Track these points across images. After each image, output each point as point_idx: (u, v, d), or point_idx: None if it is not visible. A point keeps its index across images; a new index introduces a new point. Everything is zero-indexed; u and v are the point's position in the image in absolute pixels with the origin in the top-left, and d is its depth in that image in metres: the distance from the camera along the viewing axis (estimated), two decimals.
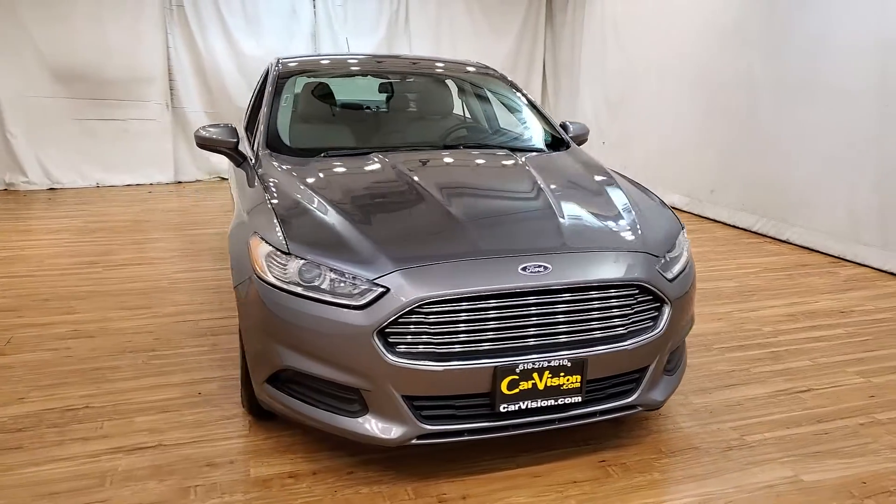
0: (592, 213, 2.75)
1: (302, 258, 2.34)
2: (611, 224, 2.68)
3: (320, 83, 3.99)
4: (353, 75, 4.20)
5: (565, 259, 2.39)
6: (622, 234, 2.62)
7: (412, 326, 2.22)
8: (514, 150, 3.52)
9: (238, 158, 3.43)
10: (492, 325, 2.27)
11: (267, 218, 2.57)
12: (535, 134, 3.79)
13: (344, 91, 4.17)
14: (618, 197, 2.91)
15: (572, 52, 9.86)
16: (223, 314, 4.04)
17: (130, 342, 3.64)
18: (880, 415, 2.99)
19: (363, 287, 2.24)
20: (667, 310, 2.48)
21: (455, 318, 2.23)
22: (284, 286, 2.34)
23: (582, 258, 2.41)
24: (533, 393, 2.31)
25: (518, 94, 4.05)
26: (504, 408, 2.30)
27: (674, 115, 7.52)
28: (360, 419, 2.31)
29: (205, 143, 3.48)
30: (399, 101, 4.17)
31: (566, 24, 10.08)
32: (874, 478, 2.53)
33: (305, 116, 3.81)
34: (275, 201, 2.68)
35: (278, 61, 4.07)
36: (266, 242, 2.45)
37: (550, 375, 2.31)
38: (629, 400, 2.49)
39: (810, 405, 3.07)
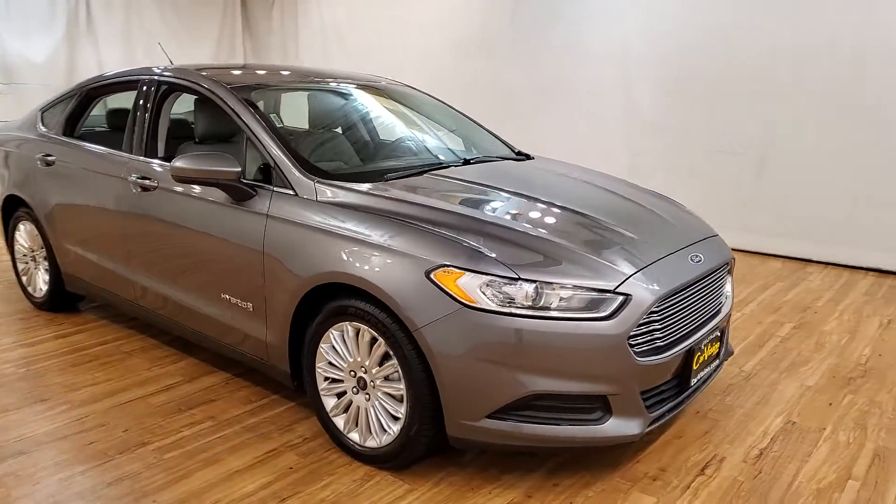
0: (664, 207, 3.17)
1: (532, 280, 2.29)
2: (681, 213, 3.17)
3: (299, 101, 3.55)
4: (312, 90, 3.76)
5: (703, 247, 2.81)
6: (695, 220, 3.13)
7: (642, 326, 2.40)
8: (505, 159, 3.69)
9: (244, 192, 2.89)
10: (685, 311, 2.58)
11: (448, 247, 2.38)
12: (498, 145, 3.98)
13: (317, 109, 3.72)
14: (646, 191, 3.40)
15: (286, 60, 9.75)
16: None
17: None
18: None
19: (604, 297, 2.32)
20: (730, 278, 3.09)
21: (667, 310, 2.48)
22: (519, 311, 2.26)
23: (707, 245, 2.86)
24: (704, 363, 2.71)
25: (449, 107, 4.17)
26: (694, 381, 2.64)
27: None
28: (603, 424, 2.38)
29: (192, 177, 2.86)
30: (378, 120, 3.90)
31: (273, 31, 9.92)
32: None
33: (316, 139, 3.36)
34: (433, 227, 2.48)
35: (194, 74, 3.41)
36: (472, 272, 2.30)
37: (710, 345, 2.73)
38: (723, 355, 3.03)
39: None
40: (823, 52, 5.49)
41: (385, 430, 2.58)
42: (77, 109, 4.10)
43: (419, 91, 4.17)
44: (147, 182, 3.35)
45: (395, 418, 2.55)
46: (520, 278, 2.29)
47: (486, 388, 2.31)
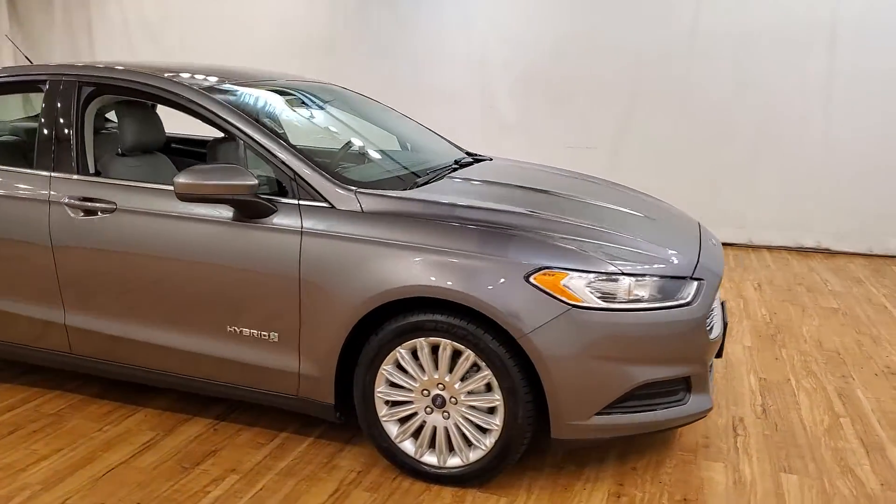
0: (651, 200, 3.40)
1: (630, 274, 2.35)
2: (665, 204, 3.43)
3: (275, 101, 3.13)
4: (273, 91, 3.29)
5: (708, 232, 3.10)
6: (679, 210, 3.42)
7: None
8: (480, 160, 3.66)
9: (263, 209, 2.55)
10: None
11: (543, 248, 2.35)
12: (448, 146, 3.92)
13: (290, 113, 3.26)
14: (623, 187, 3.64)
15: (79, 58, 8.53)
16: None
17: None
18: None
19: (684, 283, 2.46)
20: None
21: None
22: (622, 306, 2.32)
23: (706, 230, 3.15)
24: None
25: (390, 109, 4.01)
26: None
27: None
28: (686, 404, 2.52)
29: (203, 194, 2.46)
30: (351, 124, 3.53)
31: (55, 25, 8.62)
32: None
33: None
34: (510, 229, 2.42)
35: (143, 74, 2.89)
36: (577, 271, 2.30)
37: None
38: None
39: None
40: (665, 53, 6.25)
41: (472, 446, 2.47)
42: None
43: (354, 93, 3.97)
44: (96, 204, 2.77)
45: (484, 431, 2.45)
46: (622, 273, 2.34)
47: (599, 386, 2.33)
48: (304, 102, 3.46)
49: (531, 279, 2.29)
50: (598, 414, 2.36)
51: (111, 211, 2.75)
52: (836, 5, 5.74)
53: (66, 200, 2.81)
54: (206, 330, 2.70)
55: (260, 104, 2.97)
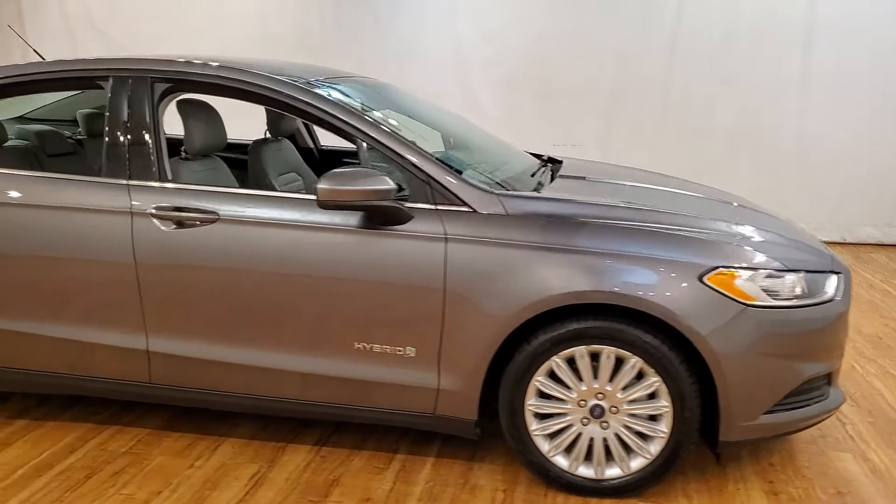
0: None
1: (794, 270, 2.34)
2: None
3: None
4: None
5: None
6: None
7: None
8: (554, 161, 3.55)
9: (401, 215, 2.35)
10: None
11: (713, 248, 2.30)
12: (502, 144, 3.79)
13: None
14: None
15: (9, 56, 7.74)
16: None
17: None
18: None
19: (830, 277, 2.47)
20: None
21: None
22: (789, 303, 2.30)
23: None
24: None
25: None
26: None
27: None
28: (828, 398, 2.54)
29: (347, 200, 2.25)
30: (431, 121, 3.29)
31: None
32: None
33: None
34: (672, 228, 2.36)
35: (237, 71, 2.62)
36: (749, 269, 2.27)
37: None
38: None
39: None
40: (647, 52, 6.39)
41: (632, 455, 2.39)
42: None
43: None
44: (192, 215, 2.48)
45: (646, 438, 2.37)
46: (788, 269, 2.32)
47: (770, 385, 2.31)
48: (371, 99, 3.25)
49: (705, 279, 2.24)
50: (765, 413, 2.34)
51: (212, 221, 2.46)
52: (812, 7, 6.06)
53: (154, 211, 2.49)
54: (330, 348, 2.48)
55: (358, 102, 2.74)
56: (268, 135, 3.53)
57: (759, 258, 2.32)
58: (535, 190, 2.65)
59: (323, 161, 4.02)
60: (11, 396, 3.13)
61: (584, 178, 2.98)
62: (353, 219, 2.39)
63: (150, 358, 2.60)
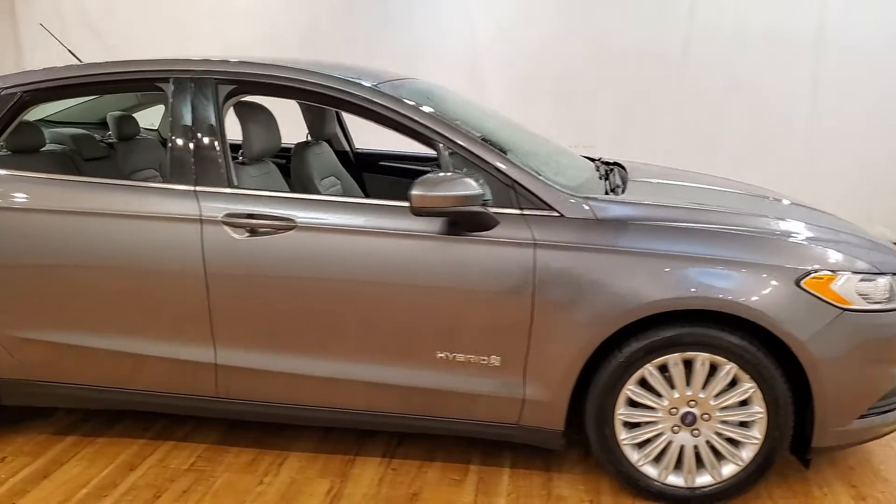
0: None
1: (886, 274, 2.32)
2: None
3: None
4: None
5: None
6: None
7: None
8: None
9: (488, 221, 2.28)
10: None
11: (807, 251, 2.27)
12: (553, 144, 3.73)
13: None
14: None
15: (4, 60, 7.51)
16: None
17: None
18: None
19: None
20: None
21: None
22: (881, 306, 2.28)
23: None
24: None
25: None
26: None
27: None
28: None
29: (441, 206, 2.18)
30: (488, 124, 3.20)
31: None
32: None
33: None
34: (775, 234, 2.36)
35: (307, 73, 2.53)
36: (845, 272, 2.24)
37: None
38: None
39: None
40: (661, 53, 6.40)
41: (723, 463, 2.35)
42: (1, 125, 2.66)
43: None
44: (267, 222, 2.38)
45: (738, 445, 2.34)
46: (880, 273, 2.31)
47: (865, 389, 2.29)
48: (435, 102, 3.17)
49: (802, 284, 2.21)
50: (859, 418, 2.32)
51: (288, 229, 2.37)
52: (822, 10, 6.11)
53: (225, 218, 2.39)
54: (411, 358, 2.40)
55: (434, 105, 2.66)
56: (309, 138, 3.44)
57: (853, 262, 2.30)
58: (613, 193, 2.60)
59: (359, 164, 3.94)
60: (55, 412, 3.00)
61: (656, 180, 2.94)
62: (435, 224, 2.32)
63: (218, 371, 2.50)
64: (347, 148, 3.92)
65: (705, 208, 2.49)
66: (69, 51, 3.40)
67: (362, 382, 2.46)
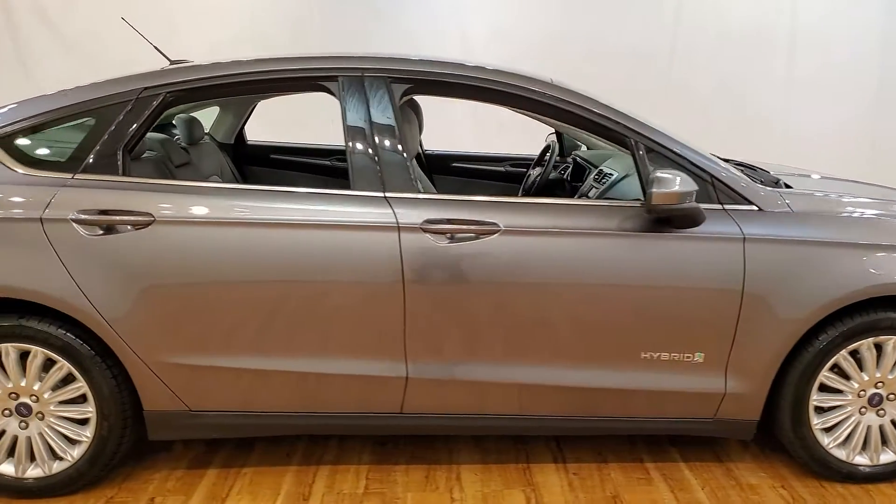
0: None
1: None
2: None
3: None
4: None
5: None
6: None
7: None
8: None
9: (698, 217, 2.30)
10: None
11: None
12: None
13: None
14: None
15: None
16: None
17: None
18: None
19: None
20: None
21: None
22: None
23: None
24: None
25: None
26: None
27: None
28: None
29: (676, 206, 2.18)
30: None
31: None
32: None
33: None
34: None
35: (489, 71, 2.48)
36: None
37: None
38: None
39: None
40: (649, 53, 6.65)
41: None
42: (142, 129, 2.39)
43: None
44: (467, 227, 2.28)
45: None
46: None
47: None
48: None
49: None
50: None
51: (492, 233, 2.28)
52: (795, 13, 6.57)
53: (424, 224, 2.27)
54: (615, 360, 2.37)
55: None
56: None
57: None
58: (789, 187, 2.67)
59: (430, 165, 3.86)
60: (172, 444, 2.73)
61: (800, 175, 3.04)
62: (640, 222, 2.31)
63: (408, 385, 2.36)
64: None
65: (887, 199, 2.60)
66: (155, 48, 3.09)
67: (554, 387, 2.40)
